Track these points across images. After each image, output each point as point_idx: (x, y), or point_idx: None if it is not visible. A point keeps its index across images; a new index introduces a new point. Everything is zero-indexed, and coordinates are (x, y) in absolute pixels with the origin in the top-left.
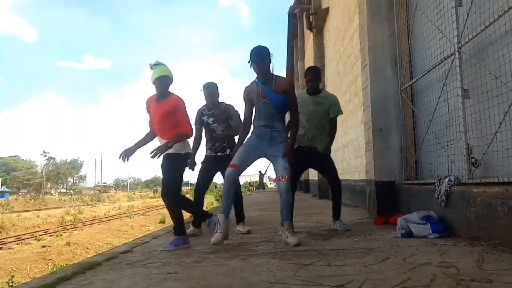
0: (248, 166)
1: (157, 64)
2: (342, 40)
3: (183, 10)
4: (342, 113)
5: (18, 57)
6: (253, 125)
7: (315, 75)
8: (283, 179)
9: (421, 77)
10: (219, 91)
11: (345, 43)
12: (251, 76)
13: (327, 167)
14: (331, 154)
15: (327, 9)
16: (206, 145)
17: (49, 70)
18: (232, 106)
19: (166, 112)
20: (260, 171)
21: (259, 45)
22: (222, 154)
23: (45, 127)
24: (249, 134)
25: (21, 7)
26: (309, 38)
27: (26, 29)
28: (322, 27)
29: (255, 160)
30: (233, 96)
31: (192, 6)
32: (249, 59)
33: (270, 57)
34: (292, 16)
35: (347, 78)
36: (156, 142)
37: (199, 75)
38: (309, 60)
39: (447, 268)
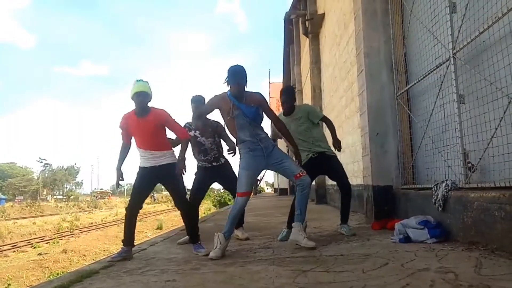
0: (253, 185)
1: (139, 80)
2: (338, 46)
3: (180, 15)
4: (322, 115)
5: (15, 64)
6: (239, 139)
7: (289, 96)
8: (304, 174)
9: (417, 82)
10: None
11: (341, 48)
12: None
13: (336, 171)
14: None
15: (323, 15)
16: (197, 157)
17: (46, 76)
18: (220, 123)
19: (155, 126)
20: None
21: (237, 65)
22: (217, 163)
23: (41, 133)
24: (238, 149)
25: (19, 14)
26: (305, 43)
27: (24, 36)
28: (318, 33)
29: (258, 176)
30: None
31: (189, 11)
32: (226, 77)
33: (247, 77)
34: (288, 21)
35: (343, 84)
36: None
37: (196, 80)
38: (305, 66)
39: (445, 274)
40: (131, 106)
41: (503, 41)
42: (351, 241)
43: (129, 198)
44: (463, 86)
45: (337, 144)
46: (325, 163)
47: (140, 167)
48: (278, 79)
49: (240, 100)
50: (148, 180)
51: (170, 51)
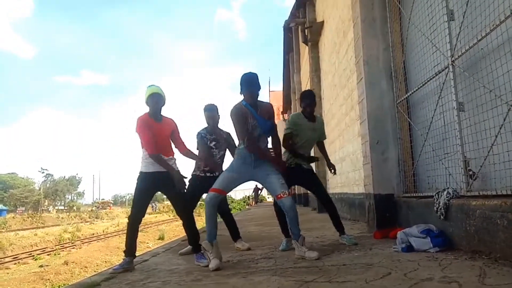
0: (231, 189)
1: (151, 85)
2: (337, 54)
3: (180, 25)
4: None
5: (16, 74)
6: (238, 145)
7: (312, 99)
8: (285, 195)
9: (416, 90)
10: (219, 113)
11: (340, 56)
12: None
13: (313, 182)
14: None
15: (322, 23)
16: (198, 166)
17: (47, 86)
18: (230, 134)
19: (168, 131)
20: (256, 185)
21: (250, 72)
22: (212, 174)
23: (43, 143)
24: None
25: (19, 24)
26: (304, 51)
27: (24, 46)
28: (318, 41)
29: (240, 184)
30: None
31: (189, 21)
32: (241, 85)
33: (260, 85)
34: (287, 29)
35: (343, 92)
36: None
37: (197, 89)
38: (305, 74)
39: (449, 284)
40: (130, 117)
41: (501, 49)
42: (353, 250)
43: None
44: (462, 94)
45: (333, 167)
46: (301, 175)
47: (142, 173)
48: (278, 87)
49: (255, 109)
50: (151, 186)
51: (171, 60)
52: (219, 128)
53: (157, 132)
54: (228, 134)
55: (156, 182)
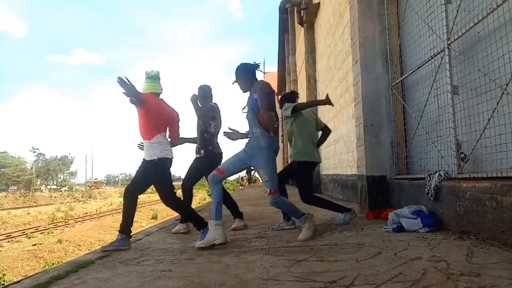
0: (232, 174)
1: (156, 80)
2: (333, 35)
3: (175, 5)
4: None
5: (7, 52)
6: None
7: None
8: (266, 194)
9: (412, 73)
10: (212, 94)
11: (336, 38)
12: None
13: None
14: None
15: (318, 4)
16: (196, 146)
17: (39, 65)
18: (216, 106)
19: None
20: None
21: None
22: (197, 155)
23: (34, 123)
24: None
25: (10, 1)
26: (300, 33)
27: (16, 23)
28: (313, 22)
29: (240, 171)
30: (226, 92)
31: (184, 0)
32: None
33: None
34: (283, 10)
35: (338, 73)
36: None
37: (191, 71)
38: (300, 55)
39: (437, 262)
40: (123, 96)
41: (497, 32)
42: (345, 230)
43: (124, 188)
44: (457, 77)
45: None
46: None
47: (163, 159)
48: (273, 68)
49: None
50: (159, 175)
51: (163, 41)
52: (210, 104)
53: (164, 110)
54: (213, 107)
55: (159, 169)
